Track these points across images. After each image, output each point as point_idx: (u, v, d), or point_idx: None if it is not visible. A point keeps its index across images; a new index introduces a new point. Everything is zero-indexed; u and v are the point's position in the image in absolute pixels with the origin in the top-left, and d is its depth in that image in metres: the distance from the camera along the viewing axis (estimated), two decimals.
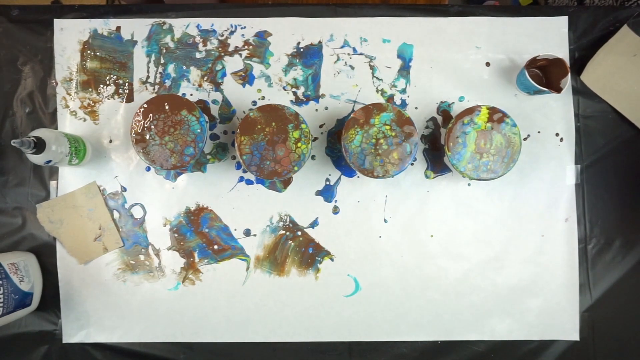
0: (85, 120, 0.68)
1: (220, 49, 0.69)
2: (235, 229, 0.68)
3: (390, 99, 0.69)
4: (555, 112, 0.69)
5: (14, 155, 0.67)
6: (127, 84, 0.69)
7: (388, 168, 0.60)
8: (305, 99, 0.69)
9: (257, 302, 0.68)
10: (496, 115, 0.61)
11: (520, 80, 0.66)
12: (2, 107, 0.68)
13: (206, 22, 0.69)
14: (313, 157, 0.68)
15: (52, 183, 0.67)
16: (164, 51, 0.69)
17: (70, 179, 0.67)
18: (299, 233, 0.68)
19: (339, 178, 0.68)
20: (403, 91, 0.69)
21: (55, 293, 0.67)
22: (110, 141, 0.68)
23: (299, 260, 0.68)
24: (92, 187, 0.68)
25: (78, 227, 0.67)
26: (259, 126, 0.60)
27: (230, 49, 0.69)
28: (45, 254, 0.67)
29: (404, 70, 0.69)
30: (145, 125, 0.60)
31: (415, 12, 0.70)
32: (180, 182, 0.68)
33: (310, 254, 0.68)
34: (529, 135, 0.69)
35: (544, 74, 0.69)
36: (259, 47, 0.69)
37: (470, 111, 0.61)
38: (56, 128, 0.68)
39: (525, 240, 0.68)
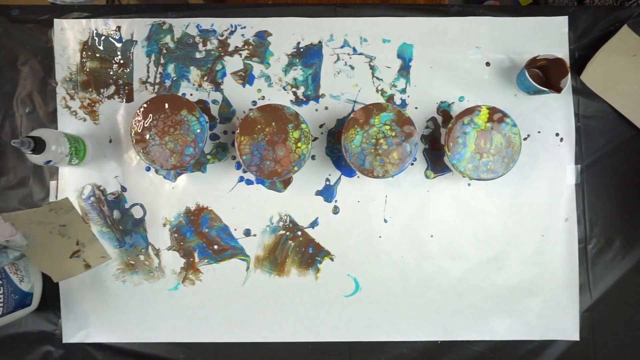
0: (85, 120, 0.68)
1: (220, 49, 0.69)
2: (235, 229, 0.68)
3: (390, 99, 0.69)
4: (555, 112, 0.69)
5: (14, 155, 0.67)
6: (127, 84, 0.69)
7: (388, 168, 0.60)
8: (305, 99, 0.69)
9: (257, 302, 0.68)
10: (496, 115, 0.61)
11: (520, 80, 0.66)
12: (2, 107, 0.68)
13: (206, 22, 0.69)
14: (313, 157, 0.68)
15: (52, 183, 0.67)
16: (164, 51, 0.69)
17: (70, 179, 0.67)
18: (299, 233, 0.68)
19: (339, 178, 0.68)
20: (403, 91, 0.69)
21: (55, 293, 0.67)
22: (110, 141, 0.68)
23: (299, 260, 0.68)
24: (64, 203, 0.60)
25: (47, 243, 0.60)
26: (259, 126, 0.60)
27: (230, 49, 0.69)
28: None
29: (404, 70, 0.69)
30: (145, 125, 0.60)
31: (415, 12, 0.70)
32: (180, 182, 0.68)
33: (310, 254, 0.68)
34: (529, 135, 0.69)
35: (544, 74, 0.69)
36: (259, 47, 0.69)
37: (470, 111, 0.61)
38: (56, 128, 0.68)
39: (525, 240, 0.68)
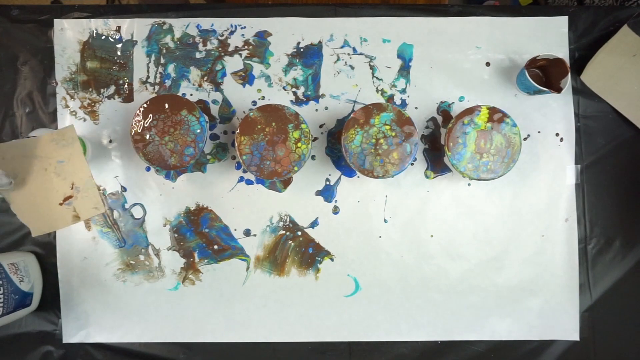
0: (85, 120, 0.68)
1: (220, 49, 0.69)
2: (235, 229, 0.68)
3: (390, 99, 0.69)
4: (555, 112, 0.69)
5: None
6: (127, 84, 0.69)
7: (388, 168, 0.60)
8: (305, 99, 0.69)
9: (257, 302, 0.68)
10: (496, 115, 0.61)
11: (520, 80, 0.66)
12: (2, 107, 0.68)
13: (206, 22, 0.69)
14: (313, 157, 0.68)
15: None
16: (164, 51, 0.69)
17: None
18: (299, 233, 0.68)
19: (339, 178, 0.68)
20: (403, 91, 0.69)
21: (55, 293, 0.67)
22: (110, 141, 0.68)
23: (299, 260, 0.68)
24: (68, 133, 0.52)
25: (37, 185, 0.51)
26: (259, 126, 0.60)
27: (230, 49, 0.69)
28: (45, 254, 0.67)
29: (404, 70, 0.69)
30: (145, 125, 0.60)
31: (415, 12, 0.70)
32: (180, 182, 0.68)
33: (310, 254, 0.68)
34: (529, 135, 0.69)
35: (544, 74, 0.69)
36: (259, 47, 0.69)
37: (470, 111, 0.61)
38: (56, 128, 0.68)
39: (525, 240, 0.68)
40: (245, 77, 0.69)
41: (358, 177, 0.68)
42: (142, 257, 0.68)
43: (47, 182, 0.51)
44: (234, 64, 0.69)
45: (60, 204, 0.51)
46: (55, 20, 0.69)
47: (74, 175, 0.52)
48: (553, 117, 0.69)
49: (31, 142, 0.50)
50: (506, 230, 0.68)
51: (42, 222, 0.52)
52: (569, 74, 0.62)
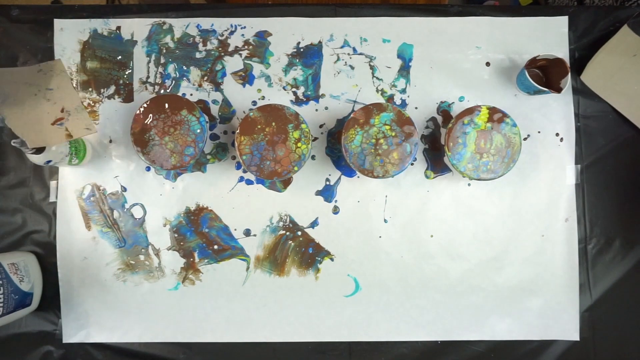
0: None
1: (220, 49, 0.69)
2: (235, 229, 0.68)
3: (390, 99, 0.69)
4: (555, 112, 0.69)
5: (14, 155, 0.67)
6: (127, 84, 0.69)
7: (388, 168, 0.60)
8: (305, 99, 0.69)
9: (257, 302, 0.68)
10: (496, 115, 0.61)
11: (520, 80, 0.66)
12: None
13: (206, 22, 0.69)
14: (313, 157, 0.68)
15: (52, 183, 0.67)
16: (164, 51, 0.69)
17: (70, 179, 0.67)
18: (299, 233, 0.68)
19: (339, 178, 0.68)
20: (403, 91, 0.69)
21: (55, 293, 0.67)
22: (110, 141, 0.68)
23: (299, 260, 0.68)
24: (56, 66, 0.56)
25: (29, 105, 0.55)
26: (259, 126, 0.60)
27: (230, 49, 0.69)
28: (45, 254, 0.67)
29: (404, 70, 0.69)
30: (145, 125, 0.60)
31: (415, 12, 0.70)
32: (180, 182, 0.68)
33: (310, 254, 0.68)
34: (529, 135, 0.69)
35: (544, 74, 0.69)
36: (259, 47, 0.69)
37: (470, 111, 0.61)
38: None
39: (525, 240, 0.68)
40: (245, 77, 0.69)
41: (358, 177, 0.68)
42: (142, 257, 0.68)
43: (37, 105, 0.54)
44: (234, 64, 0.69)
45: (52, 124, 0.54)
46: (55, 20, 0.69)
47: (64, 101, 0.54)
48: (553, 117, 0.69)
49: (17, 71, 0.52)
50: (506, 230, 0.68)
51: (37, 137, 0.53)
52: (569, 74, 0.62)
